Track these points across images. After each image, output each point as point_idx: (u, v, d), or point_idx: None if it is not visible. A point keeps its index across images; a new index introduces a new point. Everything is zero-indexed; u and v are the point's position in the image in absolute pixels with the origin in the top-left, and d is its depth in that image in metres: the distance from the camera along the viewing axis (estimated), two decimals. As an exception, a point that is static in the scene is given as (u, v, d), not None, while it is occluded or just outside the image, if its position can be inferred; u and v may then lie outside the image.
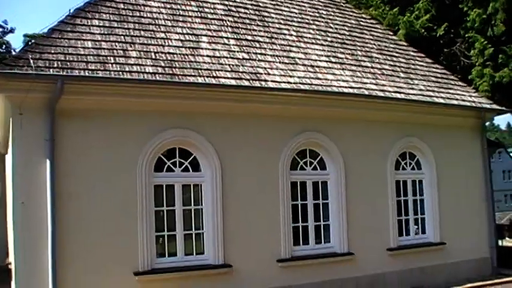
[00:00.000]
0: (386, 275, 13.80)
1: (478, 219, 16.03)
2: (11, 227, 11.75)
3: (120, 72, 10.97)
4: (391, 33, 18.83)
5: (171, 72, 11.47)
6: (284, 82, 12.59)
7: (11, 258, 12.76)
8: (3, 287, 13.91)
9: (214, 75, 11.87)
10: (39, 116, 10.57)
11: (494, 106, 16.47)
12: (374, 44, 16.40)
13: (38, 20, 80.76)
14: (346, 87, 13.45)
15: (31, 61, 10.38)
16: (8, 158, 14.21)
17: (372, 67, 15.06)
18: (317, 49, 14.54)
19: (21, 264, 10.39)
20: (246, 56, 12.96)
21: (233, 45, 13.18)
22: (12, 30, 40.16)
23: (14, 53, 38.59)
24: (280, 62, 13.28)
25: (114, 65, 11.10)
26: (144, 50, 11.83)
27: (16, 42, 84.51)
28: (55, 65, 10.58)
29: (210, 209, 11.83)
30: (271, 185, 12.53)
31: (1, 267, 15.76)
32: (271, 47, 13.72)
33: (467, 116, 15.99)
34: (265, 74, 12.60)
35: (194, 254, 11.80)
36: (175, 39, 12.51)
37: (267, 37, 14.11)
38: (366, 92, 13.65)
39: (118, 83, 10.85)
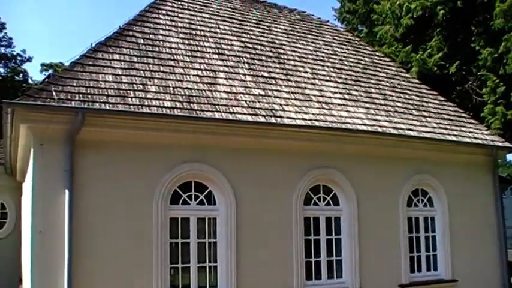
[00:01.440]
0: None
1: (490, 256, 16.04)
2: (26, 255, 11.97)
3: (140, 106, 11.26)
4: (404, 70, 19.12)
5: (189, 107, 11.75)
6: (299, 118, 12.82)
7: (25, 285, 12.96)
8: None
9: (231, 110, 12.14)
10: (59, 147, 10.83)
11: (507, 144, 16.59)
12: (387, 82, 16.66)
13: (54, 49, 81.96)
14: (360, 124, 13.66)
15: (53, 93, 10.70)
16: (26, 187, 14.51)
17: (385, 104, 15.29)
18: (331, 86, 14.82)
19: (37, 289, 10.55)
20: (262, 92, 13.24)
21: (249, 81, 13.49)
22: (30, 59, 41.03)
23: (30, 81, 39.47)
24: (295, 99, 13.55)
25: (133, 99, 11.40)
26: (163, 84, 12.14)
27: (33, 70, 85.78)
28: (76, 98, 10.89)
29: (224, 242, 11.98)
30: (284, 219, 12.68)
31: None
32: (286, 84, 14.01)
33: (479, 154, 16.11)
34: (280, 110, 12.85)
35: (208, 286, 11.91)
36: (193, 75, 12.83)
37: (283, 74, 14.41)
38: (380, 130, 13.85)
39: (137, 116, 11.11)
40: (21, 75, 40.12)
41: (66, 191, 10.72)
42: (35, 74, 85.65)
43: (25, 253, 13.55)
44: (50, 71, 42.82)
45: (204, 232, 12.04)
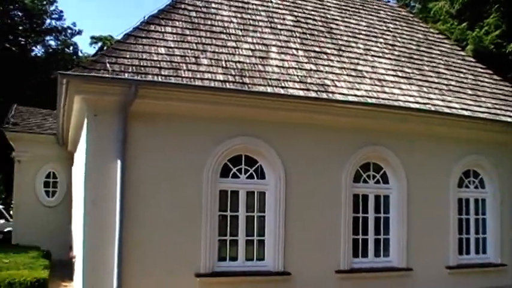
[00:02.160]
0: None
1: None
2: (78, 223, 12.24)
3: (192, 79, 11.30)
4: (459, 48, 18.64)
5: (241, 80, 11.73)
6: (351, 95, 12.67)
7: (76, 252, 13.30)
8: (66, 279, 14.49)
9: (283, 85, 12.08)
10: (112, 118, 10.98)
11: None
12: (441, 59, 16.28)
13: (104, 22, 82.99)
14: (412, 102, 13.41)
15: (107, 65, 10.82)
16: (78, 157, 14.80)
17: (439, 83, 14.95)
18: (384, 63, 14.56)
19: (89, 259, 10.78)
20: (313, 67, 13.11)
21: (301, 56, 13.36)
22: (79, 32, 41.61)
23: (80, 54, 40.06)
24: (347, 75, 13.37)
25: (186, 72, 11.44)
26: (215, 58, 12.14)
27: (83, 44, 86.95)
28: (129, 70, 10.99)
29: (272, 216, 12.01)
30: (333, 196, 12.61)
31: (65, 260, 16.33)
32: (338, 59, 13.83)
33: (535, 136, 15.63)
34: (332, 85, 12.71)
35: (255, 259, 11.99)
36: (245, 49, 12.78)
37: (335, 49, 14.22)
38: (432, 108, 13.57)
39: (189, 89, 11.16)
40: (71, 48, 40.78)
41: (119, 162, 10.89)
42: (85, 47, 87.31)
43: (76, 222, 13.86)
44: (100, 44, 43.53)
45: (253, 206, 12.08)
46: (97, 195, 10.87)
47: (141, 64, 11.25)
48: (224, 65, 12.01)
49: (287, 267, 11.97)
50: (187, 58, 11.84)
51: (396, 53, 15.34)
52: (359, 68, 13.88)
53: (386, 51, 15.21)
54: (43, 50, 39.57)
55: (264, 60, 12.68)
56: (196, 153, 11.47)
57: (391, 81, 13.91)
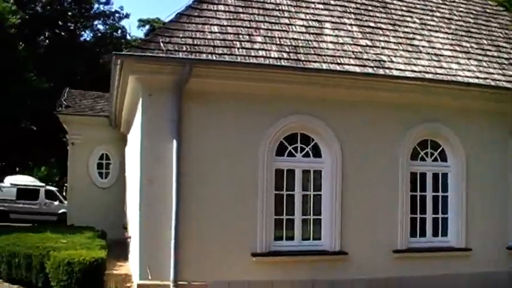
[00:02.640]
0: (501, 274, 13.08)
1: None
2: (134, 203, 12.32)
3: (247, 57, 11.18)
4: (519, 21, 17.91)
5: (295, 57, 11.54)
6: (408, 70, 12.33)
7: (132, 232, 13.41)
8: (121, 259, 14.63)
9: (339, 61, 11.84)
10: (167, 98, 10.99)
11: None
12: (501, 33, 15.63)
13: (150, 4, 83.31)
14: (471, 77, 12.95)
15: (161, 44, 10.77)
16: (131, 138, 14.89)
17: (499, 57, 14.36)
18: (441, 37, 14.08)
19: (145, 239, 10.90)
20: (369, 43, 12.80)
21: (356, 31, 13.05)
22: (127, 16, 41.89)
23: (129, 37, 40.38)
24: (403, 50, 13.00)
25: (240, 50, 11.32)
26: (269, 35, 11.98)
27: (131, 27, 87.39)
28: (183, 49, 10.94)
29: (328, 195, 11.85)
30: (391, 174, 12.34)
31: (119, 240, 16.50)
32: (394, 35, 13.45)
33: None
34: (389, 61, 12.39)
35: (311, 239, 11.87)
36: (299, 25, 12.56)
37: (390, 24, 13.82)
38: (493, 83, 13.07)
39: (245, 67, 11.06)
40: (119, 31, 41.06)
41: (174, 141, 10.90)
42: (133, 30, 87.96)
43: (131, 202, 13.97)
44: (148, 27, 43.77)
45: (308, 185, 11.92)
46: (153, 174, 10.93)
47: (195, 43, 11.18)
48: (278, 42, 11.83)
49: (344, 247, 11.82)
50: (240, 36, 11.71)
51: (453, 27, 14.82)
52: (415, 43, 13.47)
53: (443, 25, 14.70)
54: (92, 35, 40.02)
55: (318, 36, 12.44)
56: (252, 132, 11.39)
57: (449, 56, 13.46)
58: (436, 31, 14.28)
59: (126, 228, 17.56)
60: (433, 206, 12.90)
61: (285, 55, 11.52)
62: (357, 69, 11.82)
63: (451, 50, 13.75)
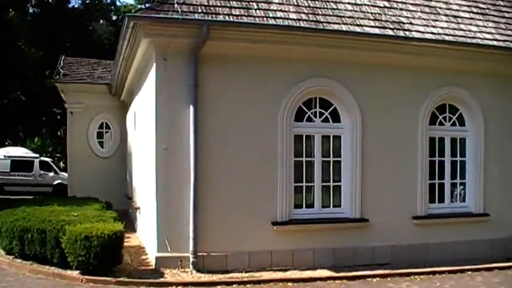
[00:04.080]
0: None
1: None
2: (147, 172, 11.92)
3: (265, 18, 10.74)
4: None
5: (314, 19, 11.11)
6: (428, 32, 11.94)
7: (143, 203, 13.04)
8: (128, 231, 14.27)
9: (358, 23, 11.42)
10: (182, 62, 10.55)
11: None
12: (513, -5, 15.27)
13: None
14: (490, 39, 12.60)
15: (176, 6, 10.27)
16: (137, 106, 14.39)
17: (516, 18, 14.02)
18: (458, -2, 13.67)
19: (162, 210, 10.54)
20: (387, 4, 12.35)
21: (373, -8, 12.59)
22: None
23: (119, 3, 39.52)
24: (421, 12, 12.58)
25: (257, 11, 10.87)
26: (287, -5, 11.49)
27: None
28: (199, 10, 10.45)
29: (348, 161, 11.56)
30: (409, 139, 12.07)
31: (122, 211, 16.14)
32: (411, -4, 13.01)
33: None
34: (408, 23, 11.98)
35: (331, 206, 11.59)
36: (315, -14, 12.06)
37: (407, -15, 13.36)
38: (512, 46, 12.74)
39: (264, 29, 10.62)
40: (109, -4, 40.22)
41: (191, 107, 10.48)
42: None
43: (141, 172, 13.56)
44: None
45: (328, 151, 11.60)
46: (169, 142, 10.51)
47: (210, 4, 10.69)
48: (295, 3, 11.36)
49: (364, 214, 11.59)
50: (256, -4, 11.22)
51: (468, -13, 14.38)
52: (432, 4, 13.03)
53: (459, -15, 14.26)
54: (80, 1, 39.03)
55: (335, -3, 11.97)
56: (270, 97, 11.02)
57: (467, 18, 13.06)
58: (452, -8, 13.84)
59: (130, 198, 17.23)
60: (451, 171, 12.65)
61: (304, 16, 11.07)
62: (377, 31, 11.41)
63: (468, 11, 13.34)
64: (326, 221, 11.37)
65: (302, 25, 10.84)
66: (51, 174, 30.16)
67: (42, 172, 30.01)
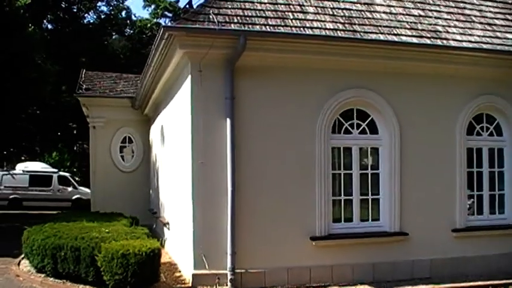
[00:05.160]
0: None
1: None
2: (179, 187, 11.68)
3: (302, 29, 10.53)
4: None
5: (351, 29, 10.90)
6: (465, 41, 11.69)
7: (174, 218, 12.79)
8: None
9: (395, 32, 11.20)
10: (218, 73, 10.36)
11: None
12: (547, 2, 14.99)
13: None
14: (528, 47, 12.34)
15: (212, 16, 10.08)
16: (169, 119, 14.18)
17: (550, 25, 13.74)
18: (491, 6, 13.40)
19: (199, 225, 10.27)
20: (422, 13, 12.14)
21: (407, 1, 12.37)
22: (131, -5, 40.80)
23: (134, 18, 39.50)
24: (456, 20, 12.35)
25: (293, 21, 10.67)
26: (320, 5, 11.31)
27: (136, 8, 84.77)
28: (235, 21, 10.28)
29: (387, 173, 11.28)
30: (447, 150, 11.78)
31: (147, 226, 15.87)
32: (445, 4, 12.77)
33: None
34: (444, 32, 11.74)
35: (370, 220, 11.32)
36: (349, -5, 11.87)
37: (439, -7, 13.14)
38: (552, 53, 12.43)
39: (301, 39, 10.40)
40: (124, 12, 40.17)
41: (228, 120, 10.26)
42: (138, 10, 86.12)
43: (172, 186, 13.32)
44: (153, 7, 42.88)
45: (366, 163, 11.34)
46: (205, 156, 10.28)
47: (245, 14, 10.52)
48: (331, 13, 11.17)
49: (403, 227, 11.29)
50: (291, 6, 11.05)
51: (500, -5, 14.15)
52: (466, 12, 12.81)
53: (491, -7, 14.02)
54: (95, 17, 39.04)
55: (369, 6, 11.77)
56: (307, 108, 10.81)
57: (502, 26, 12.81)
58: (485, 0, 13.60)
59: (155, 213, 17.00)
60: (490, 182, 12.35)
61: (340, 26, 10.86)
62: (414, 40, 11.18)
63: (502, 19, 13.10)
64: (365, 235, 11.07)
65: (339, 35, 10.63)
66: (70, 189, 30.03)
67: (61, 187, 29.90)
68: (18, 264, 12.68)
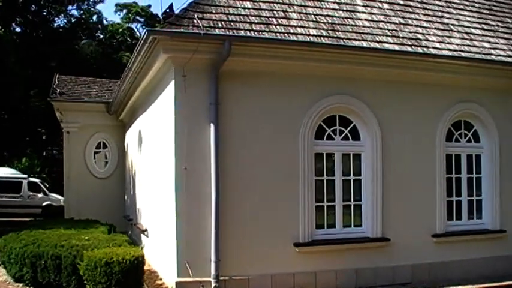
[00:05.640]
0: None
1: None
2: (161, 194, 11.56)
3: (286, 34, 10.53)
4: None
5: (334, 35, 10.95)
6: (444, 49, 11.85)
7: (154, 225, 12.64)
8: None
9: (377, 39, 11.29)
10: (203, 79, 10.25)
11: None
12: (520, 11, 15.30)
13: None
14: (504, 56, 12.57)
15: (197, 21, 10.01)
16: (149, 124, 14.04)
17: (525, 35, 14.03)
18: (467, 15, 13.63)
19: (183, 232, 10.12)
20: (402, 20, 12.27)
21: (387, 9, 12.50)
22: (102, 0, 40.39)
23: (105, 22, 39.07)
24: (436, 28, 12.51)
25: (277, 27, 10.67)
26: (303, 11, 11.34)
27: (107, 12, 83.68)
28: (219, 25, 10.22)
29: (369, 179, 11.34)
30: (428, 156, 11.90)
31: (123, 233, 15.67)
32: (423, 12, 12.93)
33: None
34: (424, 40, 11.89)
35: (352, 226, 11.36)
36: (331, 2, 11.93)
37: (418, 1, 13.28)
38: (527, 63, 12.68)
39: (286, 45, 10.38)
40: (95, 16, 39.70)
41: (212, 125, 10.17)
42: (109, 15, 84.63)
43: (153, 193, 13.18)
44: (124, 11, 42.50)
45: (348, 169, 11.38)
46: (189, 162, 10.16)
47: (230, 19, 10.47)
48: (314, 19, 11.20)
49: (385, 233, 11.36)
50: (275, 12, 11.05)
51: (476, 5, 14.34)
52: (445, 21, 12.98)
53: (467, 3, 14.22)
54: (65, 20, 38.46)
55: (351, 13, 11.84)
56: (291, 114, 10.80)
57: (478, 35, 13.04)
58: (462, 9, 13.82)
59: (131, 220, 16.80)
60: (469, 188, 12.52)
61: (324, 32, 10.90)
62: (396, 48, 11.29)
63: (479, 28, 13.33)
64: (348, 241, 11.10)
65: (323, 41, 10.66)
66: (40, 195, 29.45)
67: (31, 193, 29.31)
68: (-6, 273, 12.36)
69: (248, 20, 10.55)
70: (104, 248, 10.01)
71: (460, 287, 11.15)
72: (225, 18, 10.43)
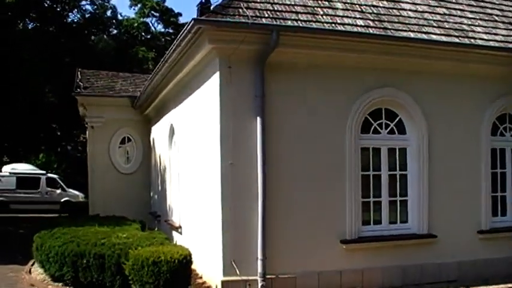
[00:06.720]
0: None
1: None
2: (201, 190, 11.26)
3: (333, 25, 10.22)
4: None
5: (381, 26, 10.63)
6: (491, 40, 11.51)
7: (191, 223, 12.32)
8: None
9: (424, 30, 10.96)
10: (248, 70, 9.94)
11: None
12: None
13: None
14: (552, 47, 12.21)
15: (243, 10, 9.68)
16: (178, 118, 13.76)
17: None
18: (510, 5, 13.28)
19: (228, 231, 9.82)
20: (446, 11, 11.92)
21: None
22: (115, -6, 39.94)
23: (120, 17, 38.68)
24: (480, 19, 12.17)
25: (324, 17, 10.36)
26: (348, 1, 11.01)
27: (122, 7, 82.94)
28: (265, 15, 9.89)
29: (415, 174, 11.04)
30: (473, 151, 11.59)
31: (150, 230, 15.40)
32: (466, 2, 12.59)
33: None
34: (470, 31, 11.55)
35: (398, 222, 11.07)
36: (374, -9, 11.59)
37: (459, -9, 12.95)
38: None
39: (333, 35, 10.08)
40: (109, 12, 39.26)
41: (258, 119, 9.86)
42: (124, 9, 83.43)
43: (186, 189, 12.89)
44: (139, 6, 42.16)
45: (394, 163, 11.07)
46: (235, 157, 9.86)
47: (275, 9, 10.14)
48: (359, 9, 10.88)
49: (432, 229, 11.05)
50: (320, 2, 10.72)
51: (517, -5, 14.01)
52: (488, 11, 12.64)
53: (507, -7, 13.88)
54: (79, 16, 37.99)
55: (396, 3, 11.51)
56: (338, 107, 10.52)
57: (523, 25, 12.69)
58: (504, -1, 13.47)
59: (159, 216, 16.54)
60: (512, 183, 12.21)
61: (371, 23, 10.58)
62: (444, 39, 10.95)
63: (523, 18, 12.96)
64: (395, 237, 10.81)
65: (371, 32, 10.35)
66: (59, 191, 29.26)
67: (49, 189, 29.12)
68: (30, 272, 12.09)
69: (294, 10, 10.23)
70: (148, 247, 9.72)
71: (506, 285, 10.82)
72: (271, 8, 10.10)
